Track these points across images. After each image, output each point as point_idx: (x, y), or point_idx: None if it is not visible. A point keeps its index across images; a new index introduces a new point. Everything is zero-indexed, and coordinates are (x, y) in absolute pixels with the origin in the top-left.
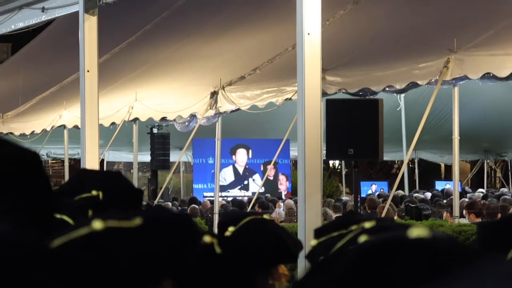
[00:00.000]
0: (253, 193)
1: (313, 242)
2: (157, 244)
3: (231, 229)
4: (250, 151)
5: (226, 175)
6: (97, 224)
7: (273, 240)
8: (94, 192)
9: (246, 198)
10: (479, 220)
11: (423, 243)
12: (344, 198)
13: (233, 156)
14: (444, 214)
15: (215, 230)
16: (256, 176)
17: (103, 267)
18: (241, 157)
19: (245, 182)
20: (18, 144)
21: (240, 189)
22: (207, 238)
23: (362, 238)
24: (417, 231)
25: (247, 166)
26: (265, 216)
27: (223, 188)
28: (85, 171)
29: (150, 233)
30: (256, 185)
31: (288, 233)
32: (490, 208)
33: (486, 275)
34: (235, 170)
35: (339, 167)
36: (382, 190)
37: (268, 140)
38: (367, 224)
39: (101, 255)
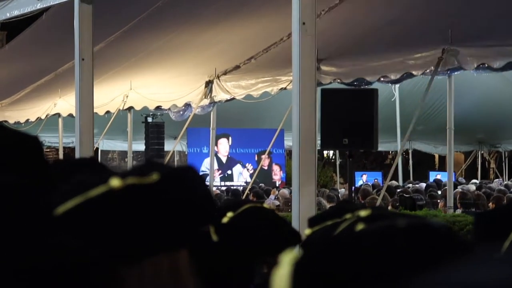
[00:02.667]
0: (247, 183)
1: (307, 231)
2: (178, 201)
3: (229, 214)
4: (230, 138)
5: (209, 164)
6: (115, 182)
7: (271, 229)
8: None
9: (241, 188)
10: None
11: (420, 231)
12: (338, 188)
13: (215, 147)
14: (440, 204)
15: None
16: (238, 166)
17: (124, 228)
18: (223, 147)
19: (229, 172)
20: (17, 129)
21: (222, 179)
22: None
23: (359, 227)
24: (411, 220)
25: (229, 156)
26: (264, 205)
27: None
28: (58, 161)
29: (170, 189)
30: (240, 175)
31: (287, 223)
32: (484, 199)
33: (482, 263)
34: (218, 160)
35: (333, 157)
36: (376, 180)
37: (263, 129)
38: (363, 213)
39: (121, 214)
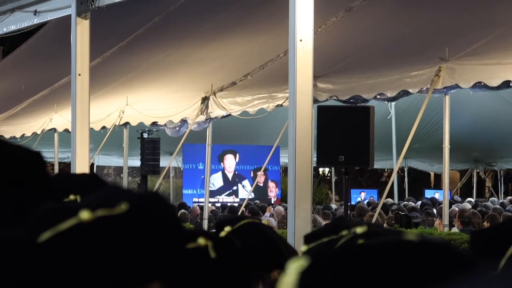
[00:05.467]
0: (242, 199)
1: (303, 248)
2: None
3: (227, 229)
4: (237, 155)
5: (215, 181)
6: (85, 214)
7: (268, 245)
8: (71, 197)
9: (236, 204)
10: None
11: (419, 247)
12: (334, 205)
13: (221, 163)
14: (436, 222)
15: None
16: (246, 182)
17: (95, 262)
18: (229, 162)
19: (234, 188)
20: (20, 144)
21: (228, 194)
22: (201, 240)
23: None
24: (411, 236)
25: (236, 172)
26: (263, 221)
27: (212, 194)
28: (60, 176)
29: (139, 219)
30: (245, 191)
31: (284, 240)
32: (479, 217)
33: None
34: (224, 176)
35: (329, 174)
36: (371, 198)
37: (259, 146)
38: (359, 229)
39: (92, 248)
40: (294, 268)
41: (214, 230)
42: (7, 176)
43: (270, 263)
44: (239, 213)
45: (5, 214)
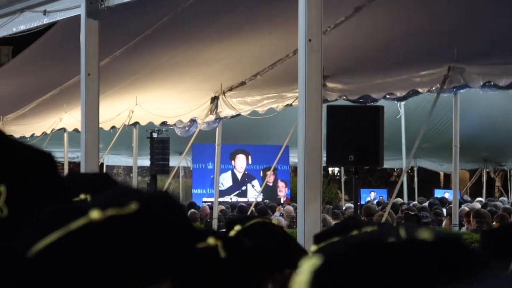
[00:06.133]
0: (251, 199)
1: (313, 247)
2: (158, 231)
3: (237, 228)
4: (249, 157)
5: (224, 180)
6: (95, 214)
7: (278, 244)
8: (82, 196)
9: (245, 204)
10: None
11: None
12: (347, 204)
13: (232, 162)
14: (444, 222)
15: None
16: (255, 182)
17: (106, 261)
18: (240, 162)
19: (243, 188)
20: (31, 144)
21: (237, 195)
22: (211, 240)
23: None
24: (425, 234)
25: (246, 172)
26: (274, 221)
27: (221, 194)
28: (71, 176)
29: (150, 218)
30: (254, 191)
31: (294, 240)
32: (489, 217)
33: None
34: (234, 176)
35: (338, 174)
36: (381, 197)
37: (268, 146)
38: (369, 229)
39: (103, 247)
40: (307, 267)
41: (224, 230)
42: (18, 176)
43: (280, 263)
44: (249, 212)
45: (17, 215)
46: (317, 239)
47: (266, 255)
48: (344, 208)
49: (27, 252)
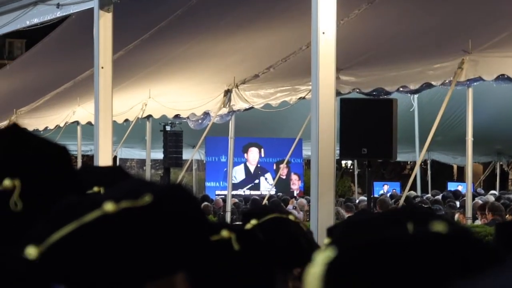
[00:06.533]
0: (264, 193)
1: (326, 240)
2: (172, 223)
3: (253, 221)
4: (262, 150)
5: (237, 174)
6: (109, 206)
7: (292, 242)
8: (95, 189)
9: (258, 197)
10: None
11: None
12: (360, 197)
13: (245, 155)
14: (457, 215)
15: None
16: (268, 175)
17: (121, 253)
18: (253, 155)
19: (256, 181)
20: (46, 138)
21: (250, 188)
22: (224, 233)
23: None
24: (439, 227)
25: (259, 165)
26: (290, 217)
27: (234, 187)
28: (85, 168)
29: (164, 210)
30: (267, 184)
31: (310, 237)
32: (503, 210)
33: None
34: (246, 169)
35: (351, 167)
36: (394, 190)
37: (281, 139)
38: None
39: (118, 239)
40: (321, 259)
41: (239, 223)
42: (33, 170)
43: (293, 260)
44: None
45: (31, 209)
46: (331, 232)
47: (279, 251)
48: (357, 201)
49: (42, 244)
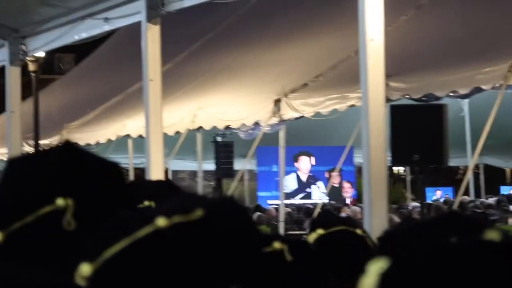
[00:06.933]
0: (317, 201)
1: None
2: (225, 237)
3: (320, 231)
4: (313, 158)
5: (289, 183)
6: (161, 221)
7: (353, 256)
8: (146, 203)
9: (311, 206)
10: None
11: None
12: (411, 203)
13: (296, 164)
14: (510, 219)
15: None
16: (320, 183)
17: (174, 269)
18: (304, 164)
19: (308, 190)
20: (98, 154)
21: (302, 198)
22: (276, 244)
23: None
24: (492, 234)
25: (310, 174)
26: (358, 231)
27: (286, 196)
28: (135, 183)
29: (216, 224)
30: (320, 192)
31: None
32: None
33: None
34: (298, 178)
35: (404, 173)
36: (447, 196)
37: (332, 147)
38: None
39: (171, 255)
40: (374, 269)
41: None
42: (86, 189)
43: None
44: (314, 214)
45: (84, 228)
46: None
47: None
48: (410, 207)
49: (95, 261)
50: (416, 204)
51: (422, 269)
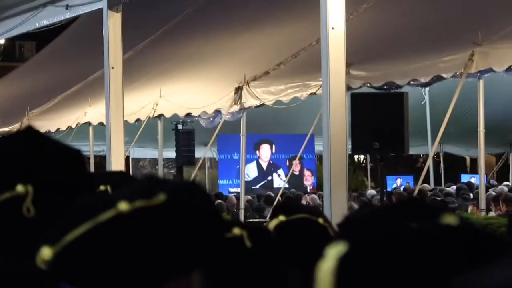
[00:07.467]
0: (277, 189)
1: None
2: (187, 222)
3: (281, 218)
4: (273, 146)
5: (250, 171)
6: (123, 205)
7: (311, 244)
8: (102, 187)
9: (272, 194)
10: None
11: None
12: (370, 191)
13: (257, 152)
14: (470, 207)
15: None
16: (281, 171)
17: (135, 253)
18: (265, 152)
19: (269, 178)
20: (59, 141)
21: (262, 186)
22: (236, 230)
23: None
24: (449, 218)
25: (271, 162)
26: (320, 220)
27: (247, 184)
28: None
29: (178, 209)
30: (280, 180)
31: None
32: None
33: None
34: (259, 166)
35: (364, 161)
36: (407, 184)
37: (293, 135)
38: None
39: (132, 239)
40: (333, 254)
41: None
42: (46, 175)
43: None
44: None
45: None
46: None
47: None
48: (370, 195)
49: (56, 244)
50: (376, 192)
51: (380, 252)
